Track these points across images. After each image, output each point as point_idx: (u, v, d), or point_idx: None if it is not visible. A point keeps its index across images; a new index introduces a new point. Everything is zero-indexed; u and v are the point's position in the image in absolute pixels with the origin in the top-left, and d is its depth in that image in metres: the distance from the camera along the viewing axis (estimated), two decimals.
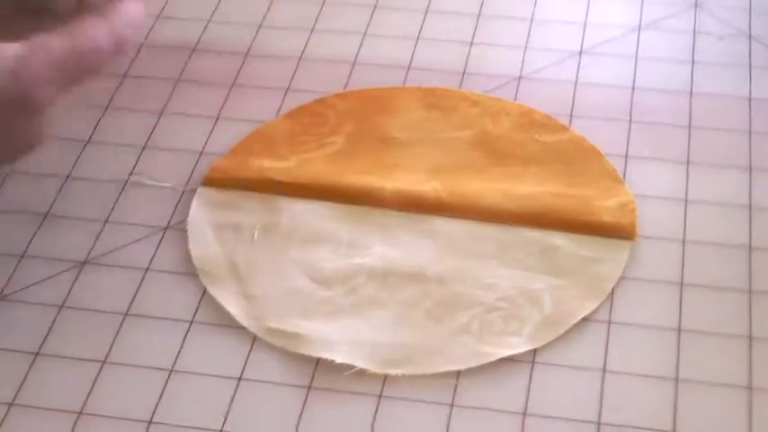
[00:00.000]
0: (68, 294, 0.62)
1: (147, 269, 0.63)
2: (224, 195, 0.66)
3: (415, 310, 0.61)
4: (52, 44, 0.55)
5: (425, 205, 0.65)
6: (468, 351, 0.59)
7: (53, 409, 0.57)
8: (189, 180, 0.68)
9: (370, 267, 0.62)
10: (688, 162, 0.68)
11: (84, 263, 0.63)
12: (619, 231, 0.64)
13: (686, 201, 0.66)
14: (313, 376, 0.58)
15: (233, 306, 0.61)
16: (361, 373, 0.58)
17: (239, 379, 0.58)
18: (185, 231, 0.65)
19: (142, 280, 0.63)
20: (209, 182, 0.67)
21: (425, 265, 0.62)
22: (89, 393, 0.57)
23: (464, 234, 0.64)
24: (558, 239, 0.64)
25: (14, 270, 0.63)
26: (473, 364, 0.58)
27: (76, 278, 0.63)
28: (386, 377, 0.58)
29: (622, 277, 0.62)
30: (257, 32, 0.77)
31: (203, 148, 0.70)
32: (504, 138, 0.69)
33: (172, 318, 0.61)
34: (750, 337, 0.59)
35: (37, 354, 0.59)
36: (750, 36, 0.76)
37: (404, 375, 0.58)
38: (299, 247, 0.64)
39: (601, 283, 0.62)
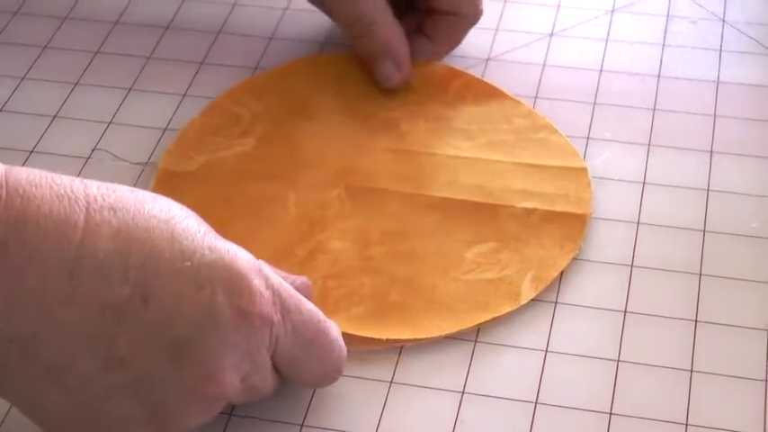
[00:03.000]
0: None
1: None
2: None
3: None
4: None
5: (328, 216, 0.64)
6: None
7: None
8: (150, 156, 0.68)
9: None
10: (649, 145, 0.68)
11: None
12: None
13: (644, 183, 0.66)
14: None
15: None
16: None
17: None
18: None
19: None
20: None
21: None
22: None
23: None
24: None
25: None
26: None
27: None
28: None
29: (573, 258, 0.62)
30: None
31: (167, 124, 0.70)
32: (419, 142, 0.68)
33: None
34: (696, 321, 0.59)
35: None
36: (723, 20, 0.76)
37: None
38: None
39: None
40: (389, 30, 0.69)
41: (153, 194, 0.52)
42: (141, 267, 0.49)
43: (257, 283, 0.51)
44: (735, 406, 0.56)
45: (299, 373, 0.54)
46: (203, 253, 0.50)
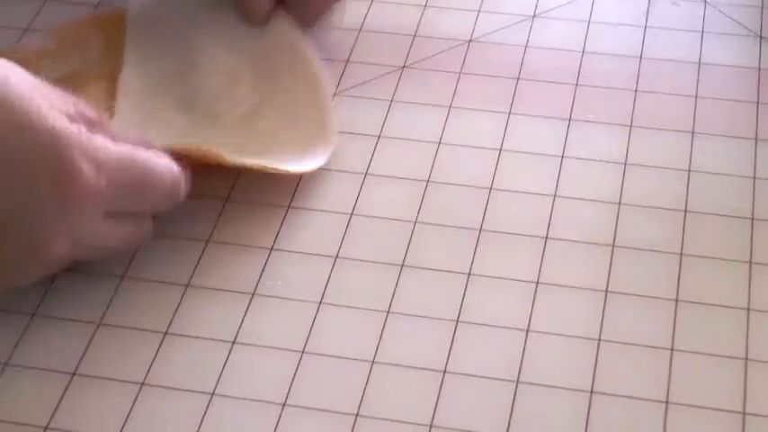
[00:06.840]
0: None
1: None
2: None
3: None
4: None
5: None
6: None
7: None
8: None
9: None
10: (631, 126, 0.68)
11: None
12: None
13: (625, 164, 0.66)
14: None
15: None
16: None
17: None
18: None
19: None
20: None
21: None
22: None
23: None
24: None
25: None
26: None
27: None
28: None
29: (550, 237, 0.62)
30: None
31: None
32: None
33: None
34: (677, 300, 0.59)
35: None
36: (705, 2, 0.76)
37: None
38: None
39: None
40: None
41: None
42: None
43: (78, 161, 0.53)
44: (715, 384, 0.56)
45: (139, 208, 0.58)
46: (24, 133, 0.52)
